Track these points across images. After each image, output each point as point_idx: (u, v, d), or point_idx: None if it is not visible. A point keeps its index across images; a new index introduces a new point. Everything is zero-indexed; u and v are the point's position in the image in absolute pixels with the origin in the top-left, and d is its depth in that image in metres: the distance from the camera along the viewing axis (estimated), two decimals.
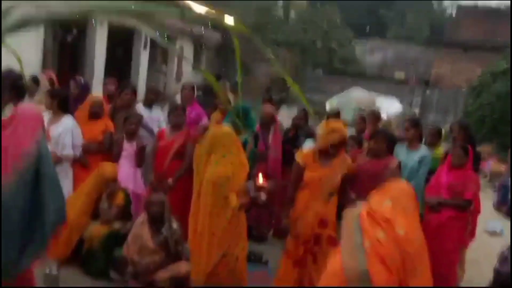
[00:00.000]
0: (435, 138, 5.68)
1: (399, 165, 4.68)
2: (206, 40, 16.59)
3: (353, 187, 4.28)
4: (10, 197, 2.50)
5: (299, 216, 4.10)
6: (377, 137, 4.61)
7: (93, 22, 10.81)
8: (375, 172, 4.40)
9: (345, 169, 4.12)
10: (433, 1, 34.33)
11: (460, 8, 21.58)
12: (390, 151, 4.84)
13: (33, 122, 2.80)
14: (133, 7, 1.36)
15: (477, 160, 5.41)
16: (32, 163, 2.59)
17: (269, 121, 5.83)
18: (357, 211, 2.63)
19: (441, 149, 5.65)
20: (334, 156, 4.10)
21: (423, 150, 5.08)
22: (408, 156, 5.01)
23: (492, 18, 17.91)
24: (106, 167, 4.62)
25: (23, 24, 1.11)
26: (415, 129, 5.14)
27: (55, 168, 4.56)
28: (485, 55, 15.10)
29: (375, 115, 7.19)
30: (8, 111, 5.09)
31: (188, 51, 16.90)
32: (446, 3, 35.47)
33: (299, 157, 4.25)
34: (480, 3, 19.81)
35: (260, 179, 4.12)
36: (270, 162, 5.70)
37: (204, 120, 6.22)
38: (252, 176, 4.39)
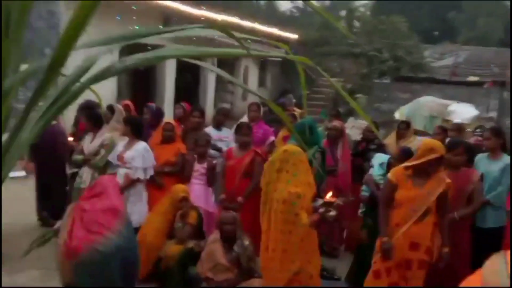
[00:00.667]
0: None
1: (481, 178, 4.48)
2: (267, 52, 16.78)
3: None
4: (115, 249, 3.11)
5: (390, 237, 3.95)
6: (456, 149, 4.42)
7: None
8: (457, 186, 4.22)
9: (441, 188, 3.91)
10: (505, 1, 32.57)
11: None
12: (470, 162, 4.65)
13: (117, 187, 3.61)
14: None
15: None
16: (126, 220, 3.27)
17: (337, 136, 5.80)
18: (502, 255, 2.55)
19: None
20: (430, 175, 3.94)
21: (505, 159, 4.84)
22: (489, 166, 4.80)
23: None
24: (179, 188, 4.83)
25: (104, 75, 1.23)
26: (496, 138, 4.92)
27: (130, 190, 4.92)
28: None
29: (460, 127, 6.99)
30: (88, 139, 5.51)
31: (253, 69, 17.21)
32: None
33: (391, 174, 4.14)
34: None
35: (328, 195, 4.11)
36: (340, 176, 5.66)
37: (271, 138, 6.31)
38: (320, 192, 4.38)
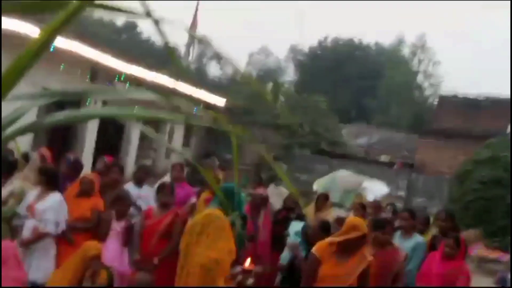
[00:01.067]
0: (423, 225, 5.77)
1: (406, 257, 4.65)
2: (197, 118, 16.97)
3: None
4: None
5: None
6: (385, 227, 4.54)
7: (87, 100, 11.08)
8: (383, 265, 4.32)
9: (363, 266, 3.97)
10: (415, 90, 35.96)
11: (441, 97, 22.60)
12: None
13: (18, 255, 3.50)
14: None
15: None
16: None
17: (260, 203, 5.86)
18: None
19: (428, 235, 5.70)
20: (354, 253, 4.00)
21: (416, 238, 5.15)
22: (401, 244, 5.05)
23: (472, 107, 18.70)
24: (90, 245, 4.55)
25: (29, 129, 1.21)
26: (412, 219, 5.31)
27: (37, 245, 4.56)
28: (465, 143, 15.61)
29: (378, 205, 7.37)
30: None
31: (179, 128, 17.19)
32: (427, 92, 37.17)
33: (315, 249, 4.14)
34: (460, 92, 20.80)
35: (247, 262, 4.09)
36: (259, 244, 5.66)
37: (192, 199, 6.23)
38: (240, 259, 4.34)
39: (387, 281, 4.43)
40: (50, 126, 1.32)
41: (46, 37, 1.03)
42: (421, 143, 17.92)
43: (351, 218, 4.52)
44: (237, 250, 4.52)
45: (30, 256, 4.59)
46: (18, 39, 6.81)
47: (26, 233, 4.66)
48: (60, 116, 1.25)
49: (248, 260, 4.16)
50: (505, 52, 35.07)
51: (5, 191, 5.06)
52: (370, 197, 11.83)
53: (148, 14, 1.04)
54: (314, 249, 4.15)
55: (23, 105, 1.23)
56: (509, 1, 19.13)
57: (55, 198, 4.81)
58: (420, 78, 37.15)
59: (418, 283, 4.78)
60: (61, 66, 9.86)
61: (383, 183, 13.38)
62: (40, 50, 1.03)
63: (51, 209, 4.72)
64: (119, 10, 1.09)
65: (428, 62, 36.98)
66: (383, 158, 18.90)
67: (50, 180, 4.88)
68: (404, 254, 4.67)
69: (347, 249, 3.99)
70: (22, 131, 1.17)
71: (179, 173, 6.48)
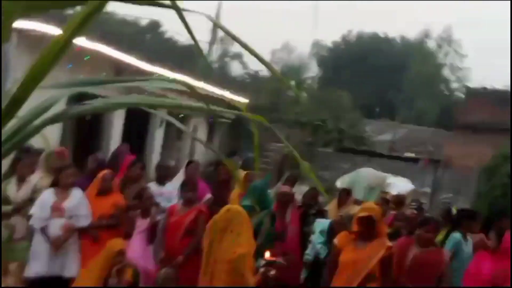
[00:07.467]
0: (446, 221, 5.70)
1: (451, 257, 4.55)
2: (220, 117, 17.07)
3: (409, 277, 4.22)
4: None
5: None
6: (429, 226, 4.42)
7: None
8: (427, 264, 4.27)
9: (382, 252, 3.99)
10: (441, 84, 35.29)
11: (469, 91, 22.11)
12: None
13: None
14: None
15: None
16: None
17: (287, 201, 5.89)
18: None
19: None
20: (371, 238, 4.03)
21: (454, 236, 5.07)
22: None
23: (501, 100, 18.24)
24: (115, 242, 4.66)
25: (58, 118, 1.23)
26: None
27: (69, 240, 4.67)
28: (495, 137, 15.24)
29: (400, 200, 7.29)
30: (13, 186, 5.13)
31: (202, 127, 17.31)
32: (454, 85, 36.45)
33: (336, 239, 4.23)
34: (489, 85, 20.28)
35: (267, 255, 4.15)
36: (288, 240, 5.69)
37: (207, 196, 6.26)
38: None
39: (431, 281, 4.34)
40: (80, 115, 1.33)
41: (68, 36, 1.04)
42: (448, 138, 17.60)
43: (364, 203, 4.55)
44: (265, 248, 4.55)
45: (64, 253, 4.74)
46: (40, 39, 6.93)
47: (56, 232, 4.74)
48: (90, 105, 1.28)
49: (268, 253, 4.23)
50: None
51: (27, 189, 5.08)
52: (394, 193, 11.67)
53: (174, 5, 1.06)
54: (335, 239, 4.24)
55: (50, 97, 1.26)
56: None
57: (79, 193, 4.94)
58: (446, 71, 36.45)
59: (466, 283, 4.64)
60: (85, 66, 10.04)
61: (408, 180, 13.18)
62: (62, 48, 1.04)
63: (81, 204, 4.87)
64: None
65: (455, 55, 36.26)
66: (408, 154, 18.63)
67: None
68: (448, 254, 4.55)
69: (365, 235, 4.02)
70: (50, 121, 1.19)
71: (193, 170, 6.56)
